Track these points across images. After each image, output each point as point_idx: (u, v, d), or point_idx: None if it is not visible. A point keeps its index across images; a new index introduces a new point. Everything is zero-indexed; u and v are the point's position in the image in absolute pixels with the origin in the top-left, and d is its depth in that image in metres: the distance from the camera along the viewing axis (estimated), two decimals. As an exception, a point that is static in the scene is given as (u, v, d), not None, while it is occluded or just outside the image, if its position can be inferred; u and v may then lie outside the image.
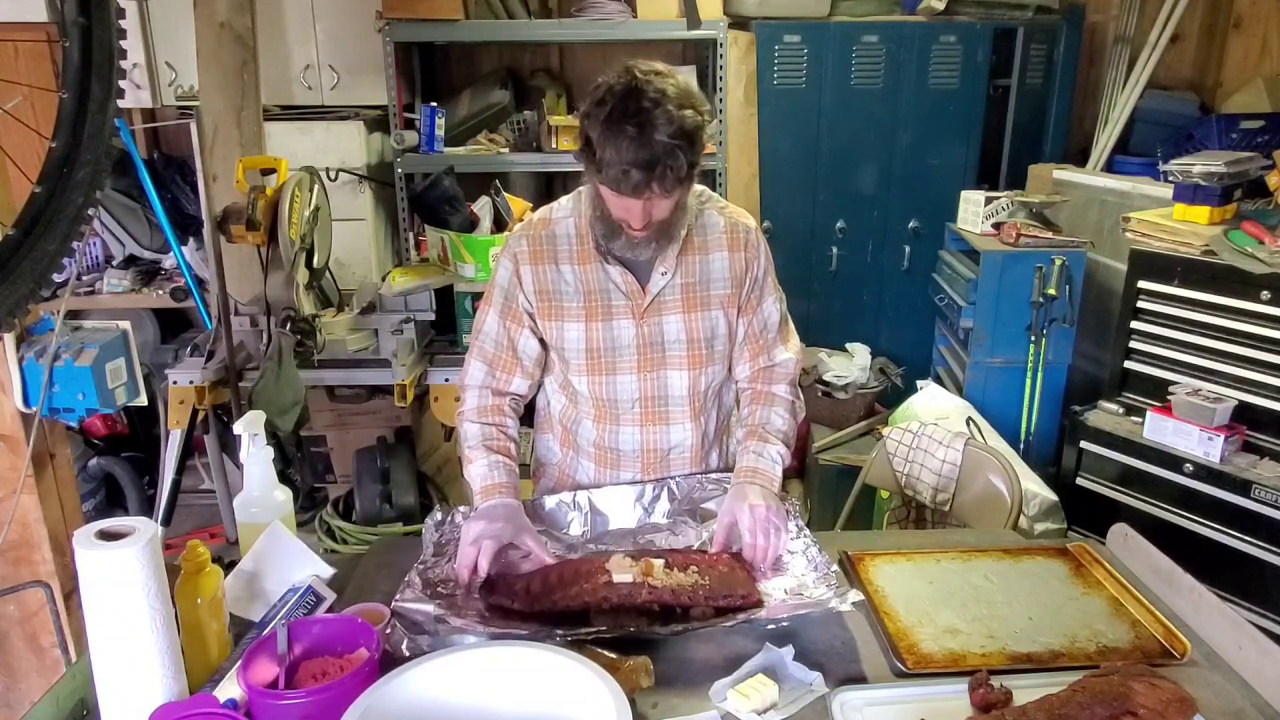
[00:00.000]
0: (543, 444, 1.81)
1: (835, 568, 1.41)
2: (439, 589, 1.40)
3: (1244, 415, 2.37)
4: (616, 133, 1.33)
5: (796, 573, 1.44)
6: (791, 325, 1.72)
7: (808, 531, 1.52)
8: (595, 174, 1.40)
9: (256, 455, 1.47)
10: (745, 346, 1.67)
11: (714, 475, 1.67)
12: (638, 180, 1.35)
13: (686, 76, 1.43)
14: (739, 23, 3.35)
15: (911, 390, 3.14)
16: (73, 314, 2.02)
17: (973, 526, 2.03)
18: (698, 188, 1.62)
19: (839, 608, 1.25)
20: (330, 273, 2.86)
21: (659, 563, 1.40)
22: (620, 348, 1.59)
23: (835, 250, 3.58)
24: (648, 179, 1.35)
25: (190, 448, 2.79)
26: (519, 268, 1.59)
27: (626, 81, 1.36)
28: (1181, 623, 1.36)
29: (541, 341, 1.65)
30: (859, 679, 1.24)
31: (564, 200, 1.63)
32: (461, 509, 1.62)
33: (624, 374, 1.60)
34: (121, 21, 1.67)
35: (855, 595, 1.27)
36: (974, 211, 3.09)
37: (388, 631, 1.25)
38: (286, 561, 1.42)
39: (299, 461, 3.06)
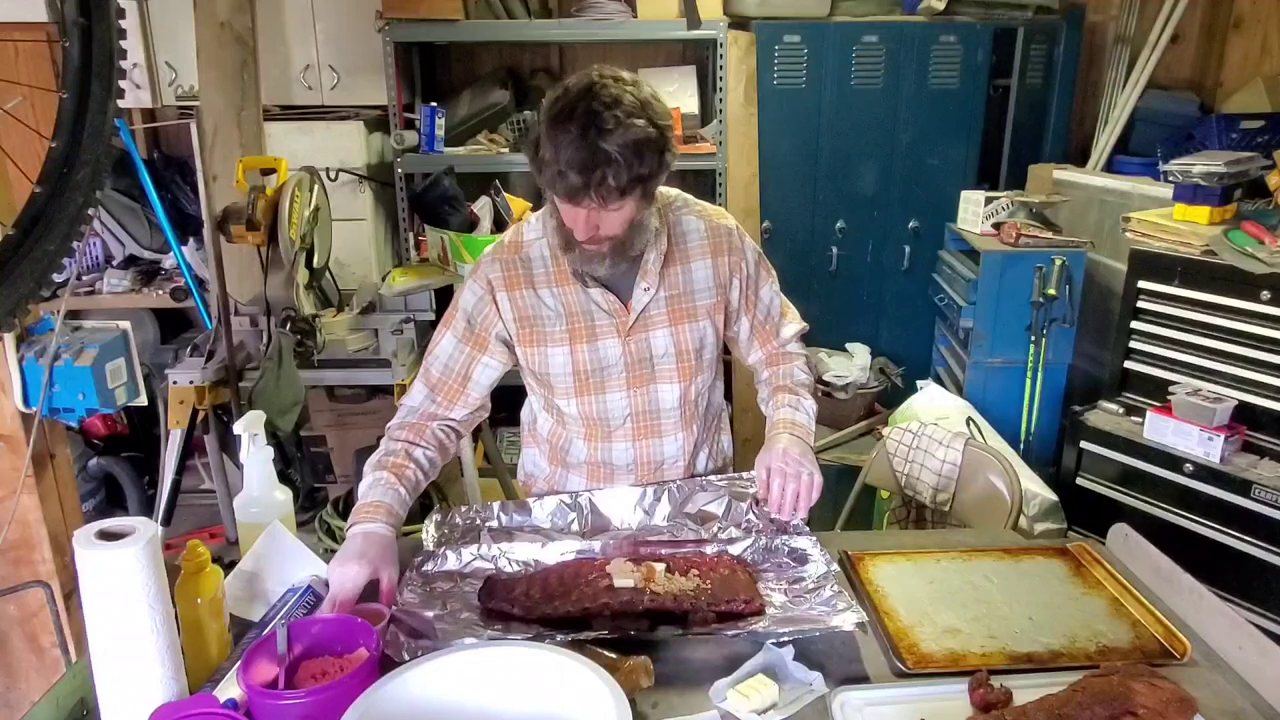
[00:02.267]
0: (529, 458, 1.78)
1: (835, 566, 1.42)
2: (438, 586, 1.40)
3: (1244, 415, 2.36)
4: (560, 131, 1.30)
5: (797, 571, 1.44)
6: (786, 300, 1.72)
7: (808, 530, 1.52)
8: (537, 174, 1.35)
9: (256, 455, 1.47)
10: (754, 338, 1.67)
11: (713, 478, 1.67)
12: (574, 184, 1.30)
13: (653, 89, 1.38)
14: (739, 23, 3.35)
15: (911, 390, 3.14)
16: (73, 314, 2.02)
17: (973, 526, 2.02)
18: (671, 192, 1.58)
19: (842, 627, 1.25)
20: (330, 273, 2.87)
21: (660, 567, 1.40)
22: (608, 367, 1.55)
23: (835, 250, 3.57)
24: (585, 184, 1.29)
25: (190, 448, 2.79)
26: (494, 294, 1.53)
27: (585, 83, 1.33)
28: (1181, 623, 1.36)
29: (515, 368, 1.59)
30: (859, 679, 1.24)
31: (532, 219, 1.57)
32: (462, 508, 1.62)
33: (613, 392, 1.57)
34: (121, 21, 1.67)
35: (858, 615, 1.26)
36: (974, 211, 3.09)
37: (387, 638, 1.25)
38: (286, 561, 1.42)
39: (299, 461, 3.07)
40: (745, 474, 1.69)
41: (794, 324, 1.71)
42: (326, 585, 1.39)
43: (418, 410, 1.57)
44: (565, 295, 1.53)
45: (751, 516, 1.59)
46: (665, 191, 1.55)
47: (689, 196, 1.62)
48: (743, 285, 1.61)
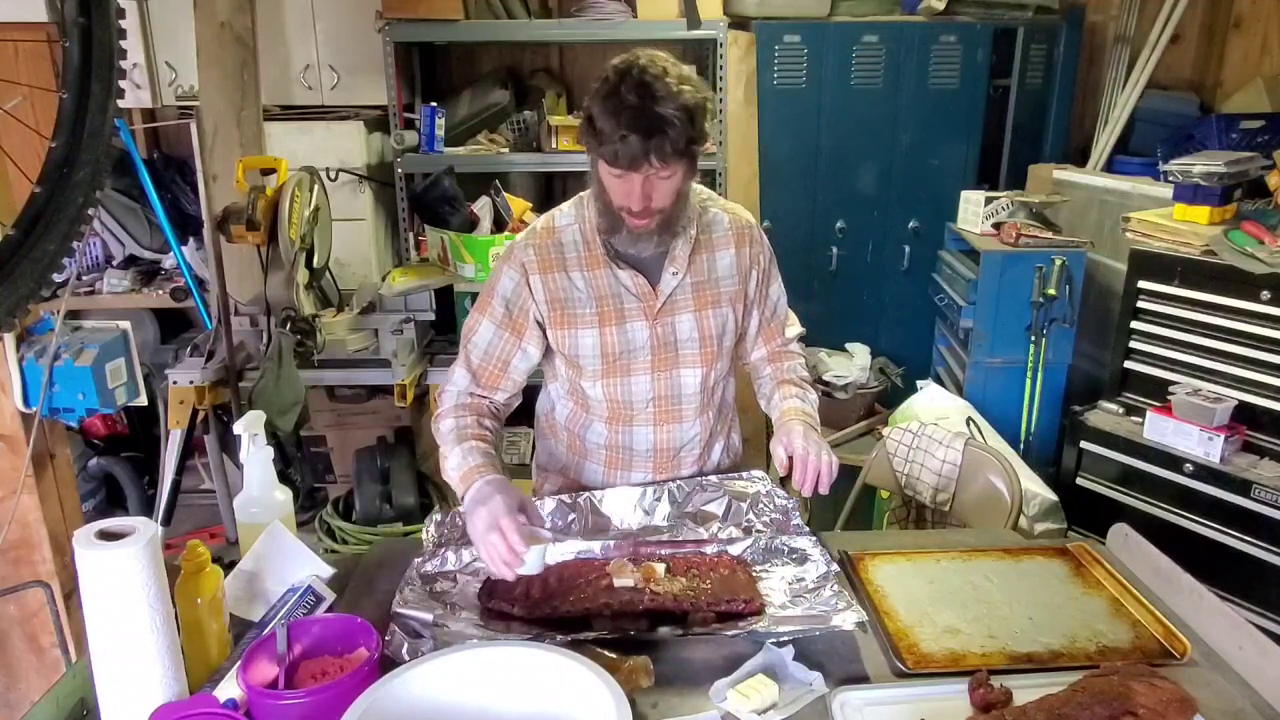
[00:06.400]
0: (544, 450, 1.80)
1: (835, 566, 1.42)
2: (438, 586, 1.40)
3: (1244, 415, 2.36)
4: (616, 104, 1.36)
5: (797, 571, 1.44)
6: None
7: (808, 530, 1.52)
8: (596, 149, 1.41)
9: (256, 455, 1.47)
10: (760, 334, 1.73)
11: (713, 479, 1.67)
12: (635, 149, 1.36)
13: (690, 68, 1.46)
14: (739, 23, 3.35)
15: (911, 390, 3.13)
16: (73, 314, 2.02)
17: (973, 526, 2.03)
18: (698, 187, 1.62)
19: (842, 627, 1.25)
20: (330, 273, 2.87)
21: (660, 567, 1.40)
22: (634, 350, 1.59)
23: (835, 250, 3.57)
24: (645, 148, 1.36)
25: (190, 448, 2.79)
26: (528, 278, 1.58)
27: (629, 61, 1.40)
28: (1181, 623, 1.36)
29: (548, 350, 1.64)
30: (859, 679, 1.24)
31: (565, 207, 1.63)
32: (461, 508, 1.62)
33: (638, 375, 1.61)
34: (121, 21, 1.67)
35: (858, 615, 1.27)
36: (974, 211, 3.09)
37: (387, 638, 1.25)
38: (286, 561, 1.42)
39: (299, 461, 3.06)
40: (745, 474, 1.69)
41: (795, 327, 1.79)
42: (327, 585, 1.39)
43: (465, 393, 1.62)
44: (596, 279, 1.58)
45: (751, 516, 1.59)
46: (695, 187, 1.60)
47: (713, 193, 1.70)
48: (759, 279, 1.67)
